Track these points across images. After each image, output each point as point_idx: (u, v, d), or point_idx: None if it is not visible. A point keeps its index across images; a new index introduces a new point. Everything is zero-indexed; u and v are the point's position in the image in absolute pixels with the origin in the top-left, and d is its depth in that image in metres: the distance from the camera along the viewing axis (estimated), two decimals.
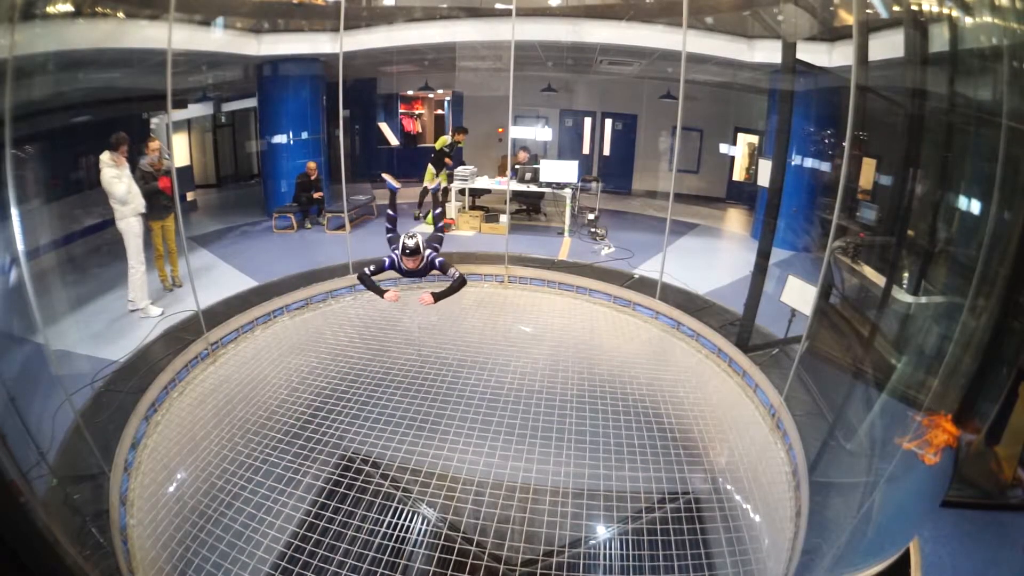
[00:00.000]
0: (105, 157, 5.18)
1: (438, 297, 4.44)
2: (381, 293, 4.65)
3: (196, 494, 3.64)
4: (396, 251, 4.51)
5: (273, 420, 4.34)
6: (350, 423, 4.24)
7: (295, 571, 3.23)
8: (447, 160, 9.29)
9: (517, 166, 9.10)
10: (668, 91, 11.37)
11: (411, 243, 4.38)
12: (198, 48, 7.84)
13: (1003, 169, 2.61)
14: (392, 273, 4.68)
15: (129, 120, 8.16)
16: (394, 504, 3.78)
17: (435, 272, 4.63)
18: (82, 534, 2.96)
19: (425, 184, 9.54)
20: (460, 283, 4.47)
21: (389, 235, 4.95)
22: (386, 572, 3.22)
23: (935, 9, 3.67)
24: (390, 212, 5.17)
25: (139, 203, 5.44)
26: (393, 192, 5.35)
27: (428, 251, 4.57)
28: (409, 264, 4.46)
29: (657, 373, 4.95)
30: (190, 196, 10.45)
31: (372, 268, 4.60)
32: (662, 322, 5.81)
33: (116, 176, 5.20)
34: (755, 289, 4.86)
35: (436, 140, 9.90)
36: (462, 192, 9.16)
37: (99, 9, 6.22)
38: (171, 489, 3.68)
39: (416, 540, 3.84)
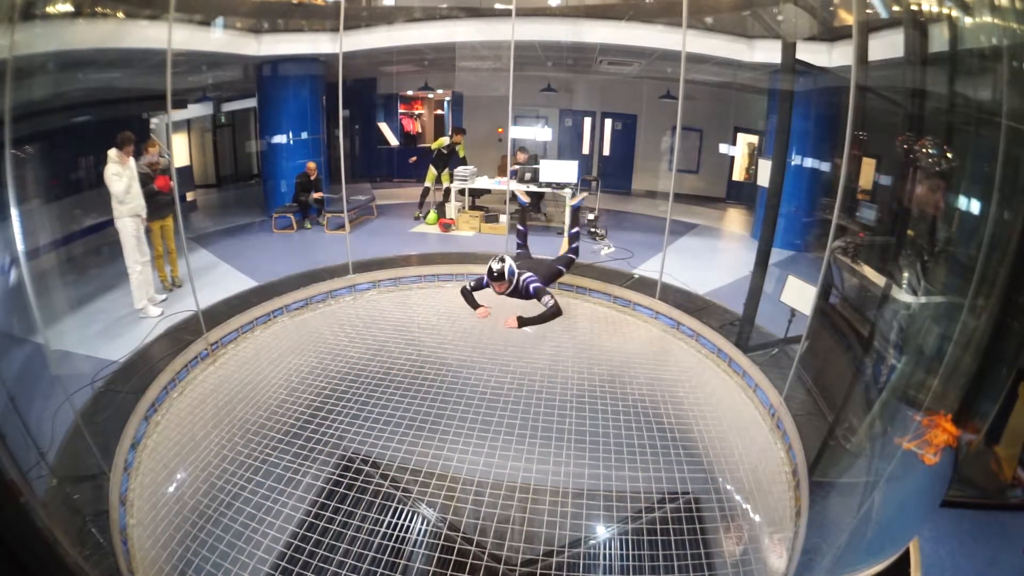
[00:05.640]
0: (112, 154, 5.21)
1: (523, 323, 4.22)
2: (475, 307, 4.57)
3: (196, 494, 3.63)
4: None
5: (273, 420, 4.33)
6: (350, 423, 4.24)
7: (295, 571, 3.23)
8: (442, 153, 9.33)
9: (516, 166, 9.09)
10: (668, 91, 11.36)
11: (496, 267, 4.20)
12: (198, 48, 7.84)
13: (1003, 169, 2.61)
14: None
15: (129, 120, 8.15)
16: (394, 504, 3.78)
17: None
18: (82, 534, 2.96)
19: (426, 184, 9.57)
20: (552, 314, 4.19)
21: (519, 251, 4.84)
22: (386, 572, 3.22)
23: (935, 9, 3.67)
24: (520, 228, 5.11)
25: (137, 204, 5.44)
26: (523, 207, 5.29)
27: (526, 275, 4.32)
28: (497, 288, 4.28)
29: (657, 373, 4.95)
30: (190, 196, 10.43)
31: (472, 284, 4.52)
32: (662, 322, 5.81)
33: (117, 174, 5.21)
34: (755, 289, 4.86)
35: (435, 140, 9.91)
36: (462, 192, 9.16)
37: (99, 9, 6.22)
38: (171, 489, 3.68)
39: (416, 540, 3.84)
